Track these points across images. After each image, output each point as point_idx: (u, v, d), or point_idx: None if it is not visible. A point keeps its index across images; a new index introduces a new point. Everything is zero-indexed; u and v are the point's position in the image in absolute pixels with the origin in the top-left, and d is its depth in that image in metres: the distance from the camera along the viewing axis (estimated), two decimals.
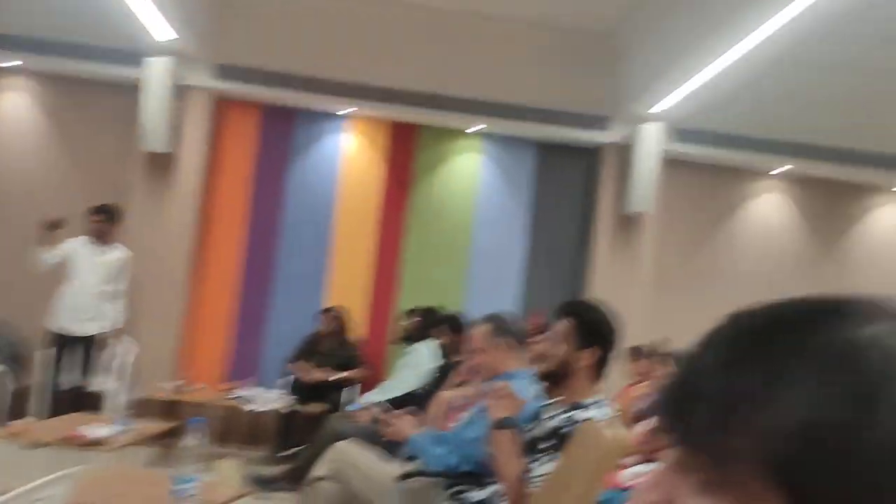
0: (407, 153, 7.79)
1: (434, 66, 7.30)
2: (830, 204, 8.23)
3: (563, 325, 2.85)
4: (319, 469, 3.87)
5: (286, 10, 7.25)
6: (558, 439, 2.69)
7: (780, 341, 0.59)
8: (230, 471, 3.84)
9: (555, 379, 2.86)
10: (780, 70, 6.50)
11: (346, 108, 7.54)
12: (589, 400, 2.78)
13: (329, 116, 7.67)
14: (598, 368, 2.84)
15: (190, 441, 2.87)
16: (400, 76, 7.24)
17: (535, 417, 2.94)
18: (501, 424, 2.83)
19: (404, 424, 3.68)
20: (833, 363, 0.56)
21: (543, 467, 2.67)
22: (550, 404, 2.90)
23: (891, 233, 8.30)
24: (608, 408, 2.79)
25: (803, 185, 8.18)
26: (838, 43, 6.56)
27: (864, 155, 7.51)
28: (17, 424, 4.52)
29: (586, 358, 2.80)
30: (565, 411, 2.77)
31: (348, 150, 7.75)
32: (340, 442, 4.03)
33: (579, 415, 2.71)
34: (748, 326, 0.62)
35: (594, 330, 2.83)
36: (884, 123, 7.39)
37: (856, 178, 7.92)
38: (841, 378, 0.55)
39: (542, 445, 2.75)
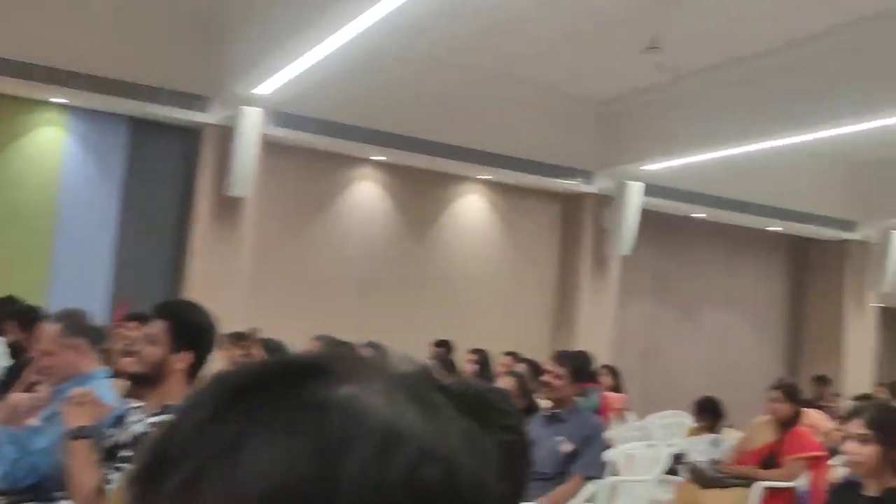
0: None
1: (7, 27, 6.52)
2: (421, 191, 8.75)
3: (157, 327, 2.73)
4: None
5: None
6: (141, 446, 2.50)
7: (256, 401, 0.55)
8: None
9: (145, 382, 2.74)
10: (378, 62, 6.76)
11: None
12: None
13: None
14: (193, 371, 2.74)
15: None
16: None
17: (118, 422, 2.75)
18: (79, 433, 2.63)
19: None
20: (301, 424, 0.54)
21: (121, 476, 2.52)
22: (137, 408, 2.74)
23: (473, 217, 9.07)
24: None
25: (396, 173, 8.60)
26: (430, 41, 7.00)
27: (449, 147, 8.06)
28: None
29: (181, 361, 2.70)
30: (153, 415, 2.62)
31: None
32: None
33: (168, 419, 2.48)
34: (230, 386, 0.58)
35: (191, 332, 2.75)
36: (466, 119, 8.04)
37: (443, 167, 8.51)
38: (307, 440, 0.53)
39: (123, 453, 2.57)
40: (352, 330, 6.37)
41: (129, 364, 2.79)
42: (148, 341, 2.73)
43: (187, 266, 7.35)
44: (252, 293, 7.38)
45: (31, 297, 5.93)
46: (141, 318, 5.17)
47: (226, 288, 6.69)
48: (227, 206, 7.39)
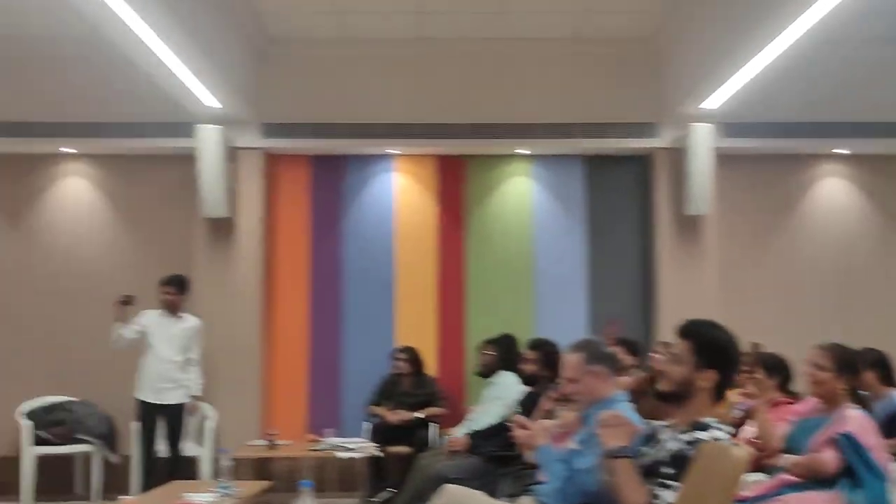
0: (457, 185, 8.06)
1: (473, 95, 7.59)
2: (894, 180, 8.23)
3: (682, 346, 2.86)
4: None
5: (320, 63, 7.66)
6: (682, 462, 2.68)
7: None
8: None
9: (672, 399, 2.86)
10: (828, 51, 6.69)
11: (393, 149, 7.85)
12: (709, 420, 2.76)
13: (378, 158, 7.99)
14: (719, 389, 2.83)
15: (304, 502, 3.53)
16: (441, 110, 7.56)
17: (649, 440, 2.91)
18: (619, 453, 2.80)
19: (538, 431, 3.63)
20: None
21: (668, 493, 2.68)
22: (667, 426, 2.89)
23: None
24: (727, 426, 2.81)
25: (864, 164, 8.21)
26: (882, 16, 6.76)
27: None
28: (125, 500, 5.13)
29: (707, 379, 2.80)
30: (685, 432, 2.76)
31: (399, 189, 8.01)
32: (449, 485, 3.83)
33: (702, 435, 2.70)
34: None
35: (715, 351, 2.83)
36: None
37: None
38: None
39: (663, 469, 2.72)
40: (833, 333, 4.93)
41: (663, 384, 2.92)
42: (673, 361, 2.87)
43: (655, 287, 7.83)
44: (722, 306, 7.27)
45: (523, 335, 6.97)
46: (626, 344, 5.95)
47: (695, 305, 6.94)
48: (687, 226, 7.76)
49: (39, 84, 7.60)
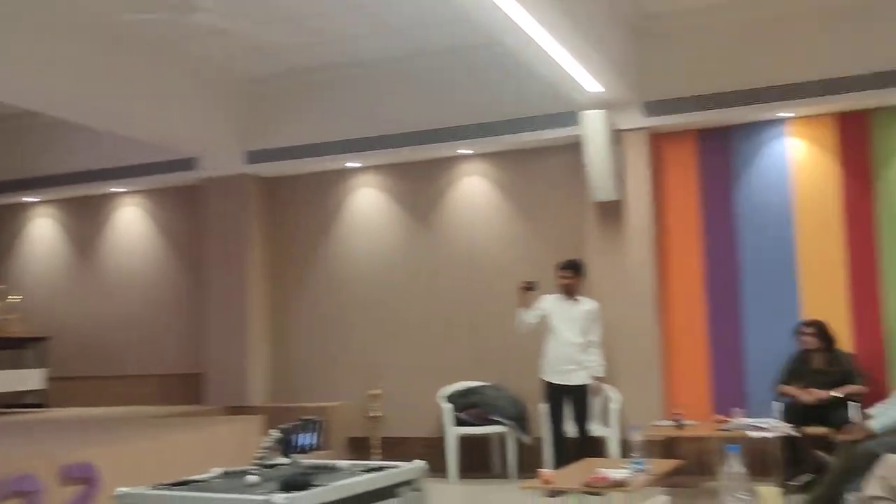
0: (861, 143, 7.18)
1: (876, 38, 6.78)
2: None
3: None
4: (871, 488, 3.89)
5: (701, 33, 7.31)
6: None
7: None
8: (772, 497, 4.06)
9: None
10: None
11: (785, 112, 7.22)
12: None
13: (768, 125, 7.40)
14: None
15: (731, 467, 3.25)
16: (840, 62, 6.85)
17: None
18: None
19: None
20: None
21: None
22: None
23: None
24: None
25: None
26: None
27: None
28: (543, 472, 4.72)
29: None
30: None
31: (795, 155, 7.34)
32: (893, 455, 3.83)
33: None
34: None
35: None
36: None
37: None
38: None
39: None
40: None
41: None
42: None
43: None
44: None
45: None
46: None
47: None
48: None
49: (437, 93, 8.18)
